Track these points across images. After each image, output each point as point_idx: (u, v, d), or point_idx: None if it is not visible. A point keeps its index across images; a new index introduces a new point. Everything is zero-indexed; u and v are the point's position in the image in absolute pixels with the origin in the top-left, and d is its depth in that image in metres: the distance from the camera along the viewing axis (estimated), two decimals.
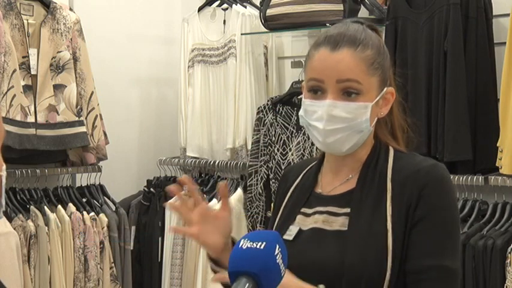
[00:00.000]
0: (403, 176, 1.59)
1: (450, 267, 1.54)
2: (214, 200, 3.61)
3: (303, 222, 1.66)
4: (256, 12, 3.73)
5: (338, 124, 1.57)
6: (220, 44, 3.87)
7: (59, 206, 3.42)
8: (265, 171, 3.60)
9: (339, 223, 1.60)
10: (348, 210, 1.60)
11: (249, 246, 1.24)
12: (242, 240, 1.26)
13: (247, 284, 1.20)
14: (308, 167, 1.76)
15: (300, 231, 1.64)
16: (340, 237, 1.58)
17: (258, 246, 1.24)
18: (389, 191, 1.58)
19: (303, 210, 1.68)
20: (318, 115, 1.58)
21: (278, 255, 1.25)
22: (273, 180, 3.55)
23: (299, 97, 3.47)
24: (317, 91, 1.59)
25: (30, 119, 3.34)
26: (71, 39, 3.50)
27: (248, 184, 3.63)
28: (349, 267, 1.53)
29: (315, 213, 1.65)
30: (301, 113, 1.64)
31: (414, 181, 1.57)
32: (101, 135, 3.61)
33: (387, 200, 1.57)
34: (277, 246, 1.26)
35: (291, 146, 3.55)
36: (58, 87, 3.45)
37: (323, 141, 1.60)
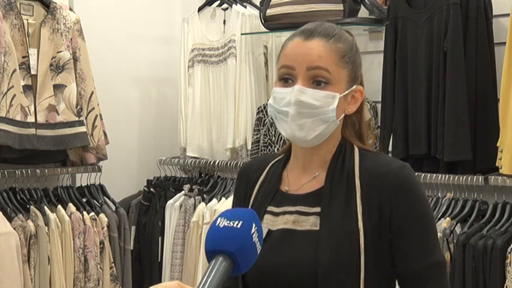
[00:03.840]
0: (373, 175, 1.60)
1: (441, 261, 1.60)
2: (214, 200, 3.61)
3: (271, 223, 1.66)
4: (256, 12, 3.73)
5: (305, 109, 1.59)
6: (220, 44, 3.86)
7: (59, 206, 3.41)
8: None
9: (310, 223, 1.61)
10: (318, 209, 1.61)
11: (226, 224, 1.25)
12: (219, 219, 1.26)
13: (224, 263, 1.21)
14: (271, 163, 1.75)
15: (269, 231, 1.64)
16: (311, 237, 1.59)
17: (234, 225, 1.24)
18: (358, 189, 1.60)
19: (270, 208, 1.68)
20: (286, 100, 1.60)
21: (254, 234, 1.25)
22: None
23: None
24: (288, 79, 1.62)
25: (30, 119, 3.34)
26: (71, 39, 3.50)
27: None
28: (323, 267, 1.54)
29: (284, 213, 1.65)
30: (270, 101, 1.65)
31: (384, 182, 1.59)
32: (101, 135, 3.60)
33: (357, 199, 1.59)
34: (254, 225, 1.26)
35: None
36: (58, 87, 3.45)
37: (289, 127, 1.60)
